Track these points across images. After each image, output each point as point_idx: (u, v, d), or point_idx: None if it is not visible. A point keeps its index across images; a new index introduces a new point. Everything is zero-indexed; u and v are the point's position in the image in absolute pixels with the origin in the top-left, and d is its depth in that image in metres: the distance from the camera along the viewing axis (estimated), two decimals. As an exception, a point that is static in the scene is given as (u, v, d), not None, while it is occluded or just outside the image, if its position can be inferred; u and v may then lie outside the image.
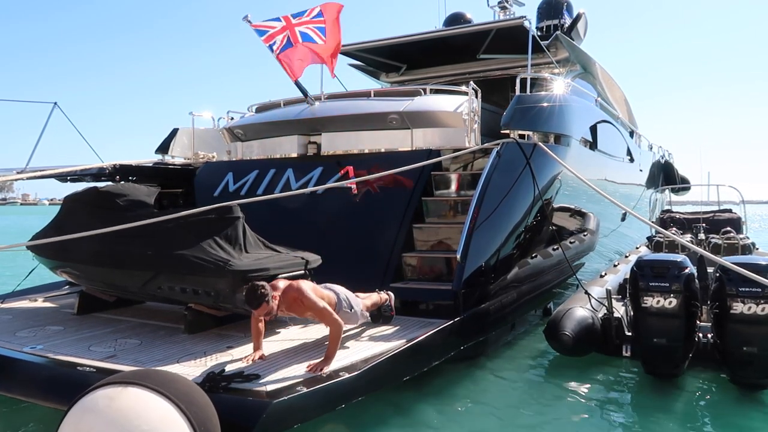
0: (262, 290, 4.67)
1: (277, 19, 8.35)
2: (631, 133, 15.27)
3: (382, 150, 8.14)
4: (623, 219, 12.62)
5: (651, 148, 18.44)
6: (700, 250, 5.88)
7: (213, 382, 4.13)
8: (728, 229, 11.20)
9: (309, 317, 5.16)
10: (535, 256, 7.82)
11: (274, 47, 8.22)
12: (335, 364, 4.68)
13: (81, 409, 3.40)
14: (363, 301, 5.66)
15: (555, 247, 8.18)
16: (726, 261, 5.38)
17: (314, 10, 8.46)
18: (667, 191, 18.65)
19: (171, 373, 3.95)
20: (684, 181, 20.35)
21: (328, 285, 5.41)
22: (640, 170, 15.76)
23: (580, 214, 9.88)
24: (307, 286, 5.00)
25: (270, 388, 4.16)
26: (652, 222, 13.33)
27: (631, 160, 14.45)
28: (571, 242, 9.29)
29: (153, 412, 3.33)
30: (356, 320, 5.47)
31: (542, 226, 7.87)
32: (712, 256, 5.71)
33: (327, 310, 4.89)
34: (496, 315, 6.67)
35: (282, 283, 4.99)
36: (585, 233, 10.12)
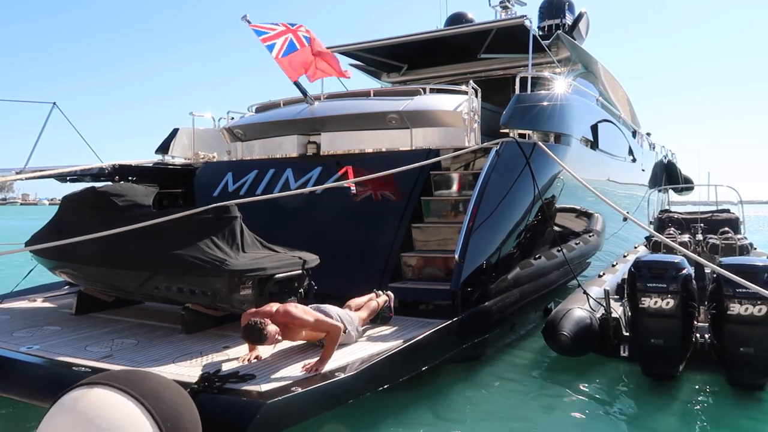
0: (258, 323, 4.61)
1: (275, 24, 8.38)
2: (634, 133, 15.24)
3: (382, 150, 8.13)
4: (625, 219, 12.61)
5: (654, 148, 18.41)
6: (694, 256, 5.87)
7: (208, 382, 4.11)
8: (726, 229, 11.17)
9: (306, 339, 5.10)
10: (539, 257, 7.81)
11: (275, 48, 8.24)
12: (332, 364, 4.67)
13: (55, 410, 3.48)
14: (359, 314, 5.63)
15: (561, 247, 8.16)
16: (720, 267, 5.32)
17: (301, 27, 8.53)
18: (669, 191, 18.62)
19: (143, 372, 3.94)
20: (687, 181, 20.32)
21: (319, 306, 5.36)
22: (642, 170, 15.74)
23: (584, 214, 9.86)
24: (292, 306, 4.95)
25: (264, 388, 4.15)
26: (651, 221, 13.31)
27: (633, 159, 14.43)
28: (576, 243, 9.27)
29: (114, 410, 3.35)
30: (351, 339, 5.37)
31: (543, 226, 7.86)
32: (706, 261, 5.68)
33: (320, 319, 4.87)
34: (496, 315, 6.66)
35: (269, 307, 4.94)
36: (591, 233, 10.10)
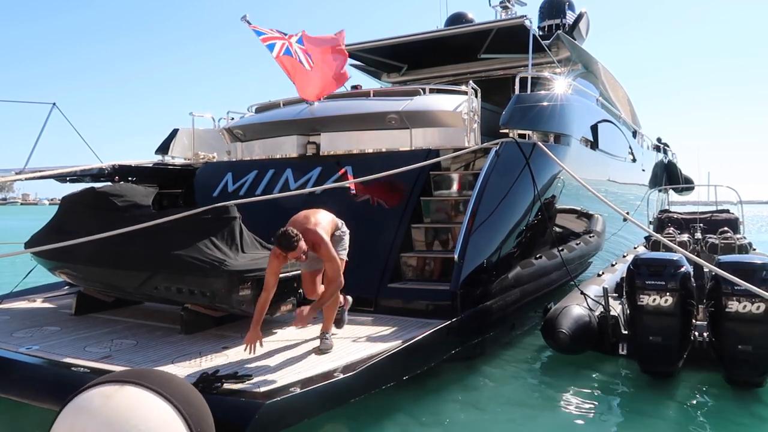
0: (294, 234, 4.77)
1: (270, 29, 8.38)
2: (634, 133, 15.24)
3: (382, 150, 8.13)
4: (625, 219, 12.59)
5: (655, 149, 18.42)
6: (692, 256, 5.87)
7: (206, 382, 4.11)
8: (725, 229, 11.15)
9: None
10: (540, 257, 7.80)
11: (275, 48, 8.24)
12: (331, 363, 4.69)
13: (75, 408, 3.34)
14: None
15: (561, 248, 8.15)
16: (718, 266, 5.33)
17: (295, 36, 8.50)
18: (669, 191, 18.61)
19: (168, 373, 3.93)
20: (687, 181, 20.31)
21: (342, 234, 5.51)
22: (643, 170, 15.74)
23: (585, 215, 9.85)
24: (325, 231, 5.08)
25: (263, 388, 4.16)
26: (651, 221, 13.30)
27: (634, 159, 14.43)
28: (576, 243, 9.26)
29: (151, 412, 3.28)
30: (341, 247, 5.44)
31: (542, 227, 7.85)
32: (704, 262, 5.69)
33: (336, 263, 4.95)
34: (496, 315, 6.66)
35: (308, 222, 5.07)
36: (591, 234, 10.09)
